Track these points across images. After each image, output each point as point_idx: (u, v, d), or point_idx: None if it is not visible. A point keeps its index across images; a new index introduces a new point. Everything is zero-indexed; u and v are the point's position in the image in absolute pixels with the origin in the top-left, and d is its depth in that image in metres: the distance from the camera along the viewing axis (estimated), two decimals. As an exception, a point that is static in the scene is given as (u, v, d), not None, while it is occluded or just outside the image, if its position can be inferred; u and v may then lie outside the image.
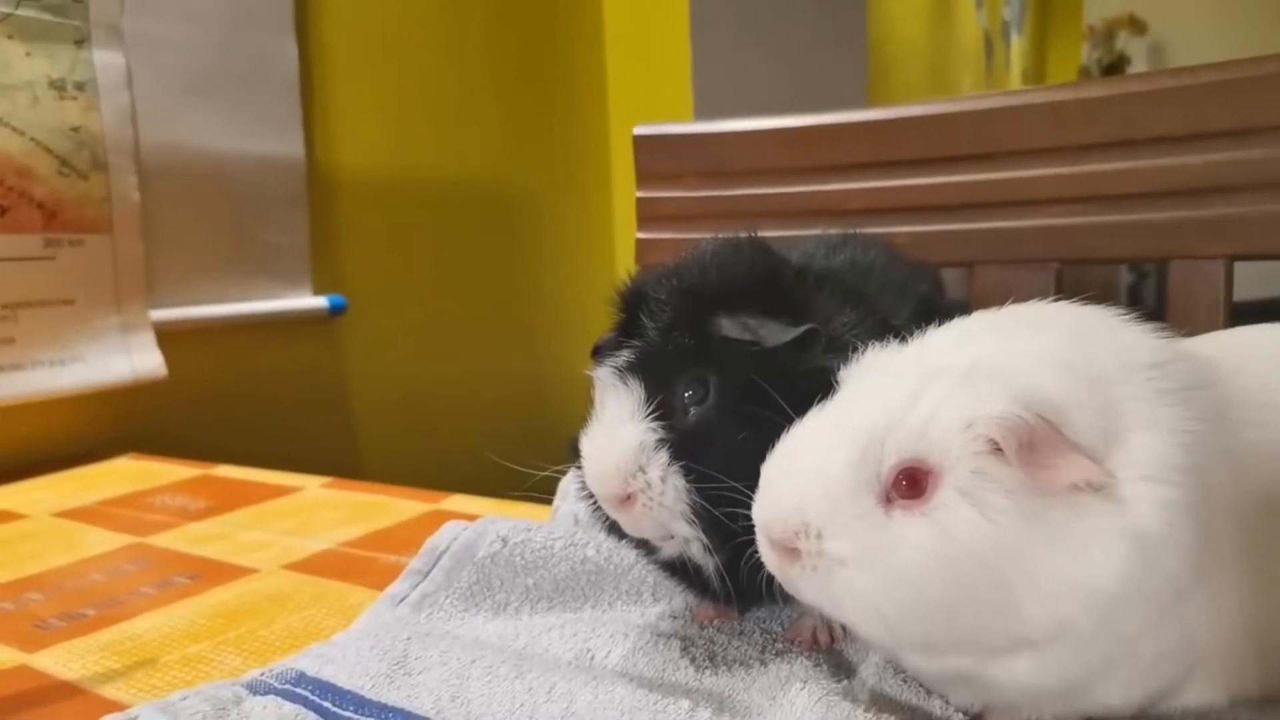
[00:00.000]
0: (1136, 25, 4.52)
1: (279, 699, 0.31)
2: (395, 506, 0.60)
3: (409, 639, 0.35)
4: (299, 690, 0.32)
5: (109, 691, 0.35)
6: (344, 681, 0.32)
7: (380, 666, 0.33)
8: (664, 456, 0.32)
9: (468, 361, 1.23)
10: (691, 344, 0.33)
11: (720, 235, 0.39)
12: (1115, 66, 4.47)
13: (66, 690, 0.36)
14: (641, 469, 0.32)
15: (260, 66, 0.96)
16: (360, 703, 0.31)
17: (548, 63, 1.35)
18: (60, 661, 0.38)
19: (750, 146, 0.62)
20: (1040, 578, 0.25)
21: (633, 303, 0.36)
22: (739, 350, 0.32)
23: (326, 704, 0.31)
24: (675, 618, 0.37)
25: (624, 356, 0.34)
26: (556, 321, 1.37)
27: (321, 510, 0.59)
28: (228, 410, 0.93)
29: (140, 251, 0.82)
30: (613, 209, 1.48)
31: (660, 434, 0.32)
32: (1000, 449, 0.25)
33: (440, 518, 0.57)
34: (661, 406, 0.33)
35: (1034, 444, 0.25)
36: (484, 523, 0.42)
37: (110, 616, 0.43)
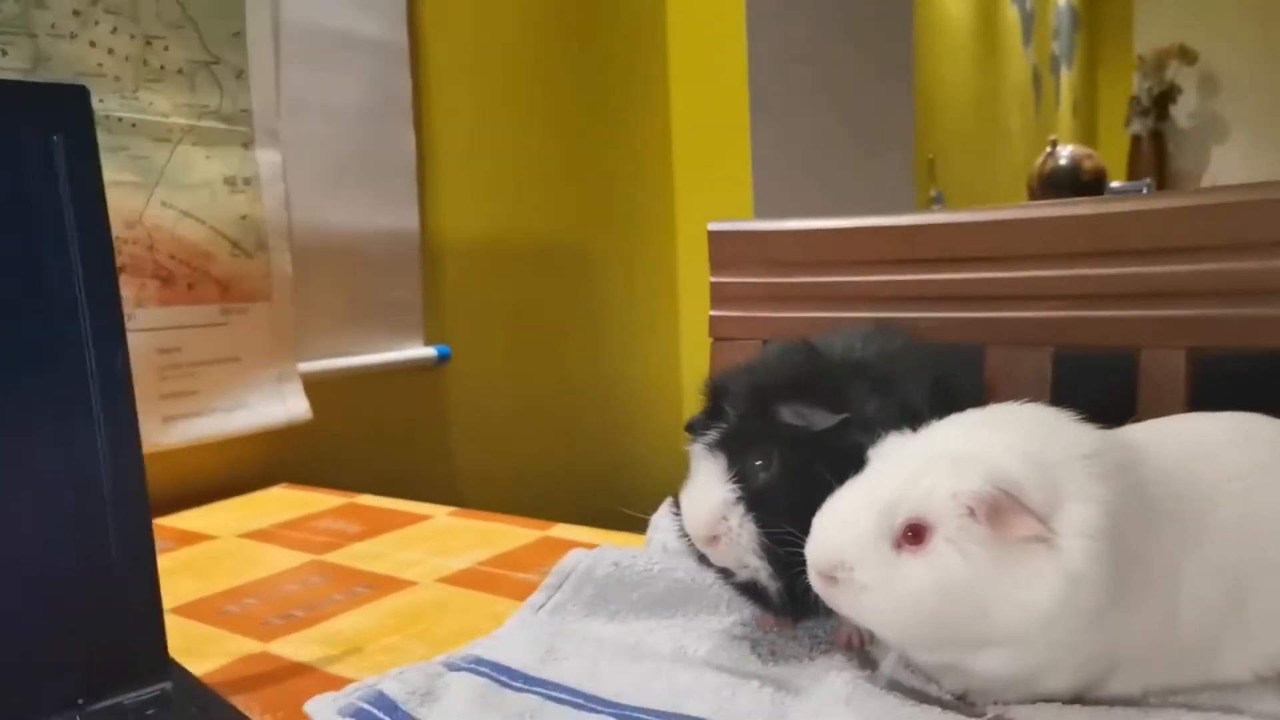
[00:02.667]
0: (1187, 55, 4.53)
1: (468, 674, 0.43)
2: (511, 533, 0.71)
3: (552, 636, 0.47)
4: (480, 668, 0.43)
5: (334, 670, 0.47)
6: (511, 663, 0.44)
7: (534, 654, 0.44)
8: (741, 509, 0.43)
9: (550, 401, 1.35)
10: (760, 426, 0.44)
11: (781, 339, 0.50)
12: (1166, 96, 4.49)
13: (303, 669, 0.48)
14: (725, 518, 0.43)
15: (385, 154, 1.10)
16: (526, 679, 0.42)
17: (620, 139, 1.47)
18: (290, 649, 0.50)
19: (803, 243, 0.73)
20: (1002, 599, 0.35)
21: (717, 393, 0.47)
22: (794, 432, 0.43)
23: (503, 678, 0.42)
24: (745, 625, 0.48)
25: (711, 435, 0.45)
26: (625, 364, 1.49)
27: (454, 535, 0.71)
28: (358, 445, 1.06)
29: (292, 315, 0.96)
30: (676, 266, 1.59)
31: (738, 493, 0.43)
32: (975, 512, 0.36)
33: (550, 542, 0.68)
34: (739, 473, 0.44)
35: (998, 509, 0.35)
36: (600, 551, 0.53)
37: (315, 617, 0.55)
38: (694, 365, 1.56)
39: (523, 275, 1.29)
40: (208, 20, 0.88)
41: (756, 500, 0.43)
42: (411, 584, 0.60)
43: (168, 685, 0.42)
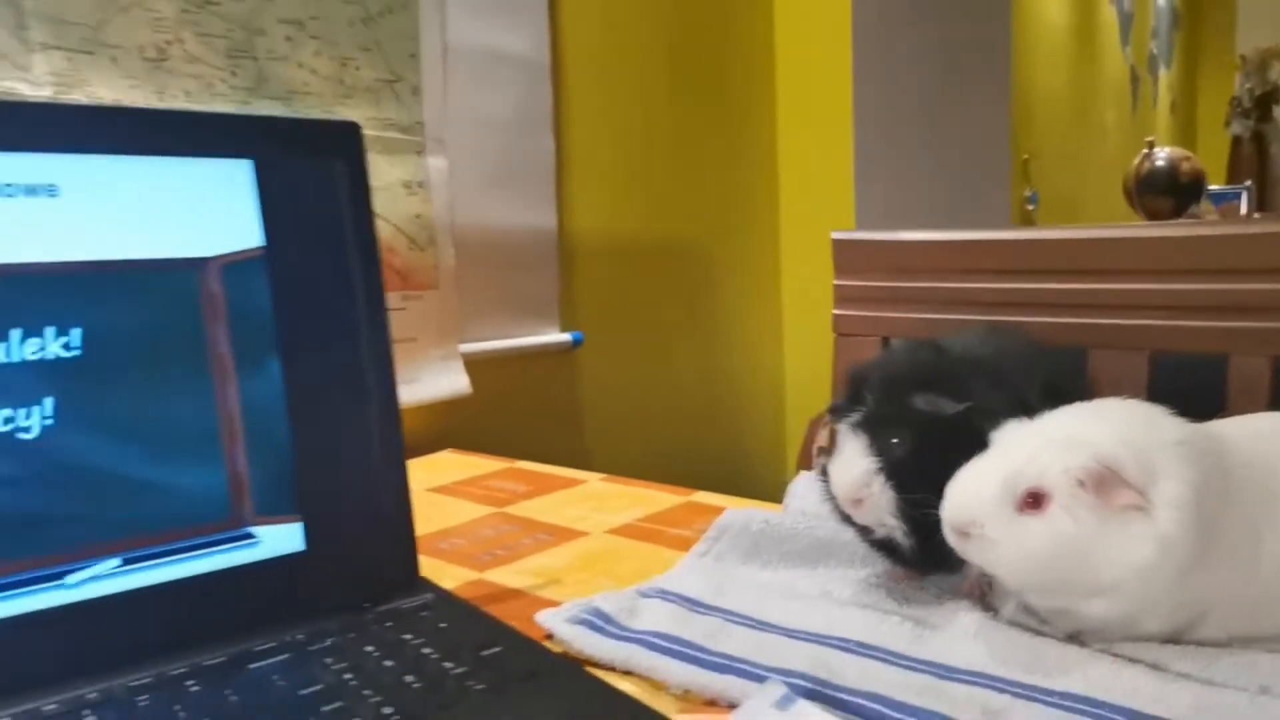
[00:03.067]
0: (1291, 56, 4.38)
1: (659, 599, 0.53)
2: (657, 497, 0.81)
3: (718, 577, 0.56)
4: (668, 597, 0.53)
5: (543, 594, 0.58)
6: (690, 594, 0.54)
7: (708, 590, 0.54)
8: (881, 478, 0.52)
9: (667, 385, 1.46)
10: (895, 411, 0.53)
11: (906, 338, 0.59)
12: (1269, 97, 4.36)
13: (518, 593, 0.59)
14: (868, 485, 0.52)
15: (528, 160, 1.21)
16: (706, 606, 0.52)
17: (732, 147, 1.57)
18: (502, 578, 0.61)
19: (920, 251, 0.82)
20: (1106, 555, 0.44)
21: (857, 383, 0.56)
22: (925, 416, 0.52)
23: (687, 605, 0.52)
24: (878, 576, 0.57)
25: (854, 417, 0.54)
26: (732, 356, 1.59)
27: (609, 497, 0.82)
28: (505, 417, 1.18)
29: (455, 302, 1.08)
30: (780, 268, 1.68)
31: (879, 465, 0.52)
32: (1084, 484, 0.44)
33: (693, 506, 0.78)
34: (878, 448, 0.53)
35: (1104, 482, 0.44)
36: (751, 510, 0.63)
37: (514, 556, 0.66)
38: (796, 362, 1.65)
39: (645, 270, 1.40)
40: (390, 43, 1.00)
41: (894, 471, 0.52)
42: (585, 534, 0.71)
43: (429, 596, 0.53)
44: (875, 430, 0.53)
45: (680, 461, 1.46)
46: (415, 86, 1.03)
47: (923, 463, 0.52)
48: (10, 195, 0.43)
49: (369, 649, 0.46)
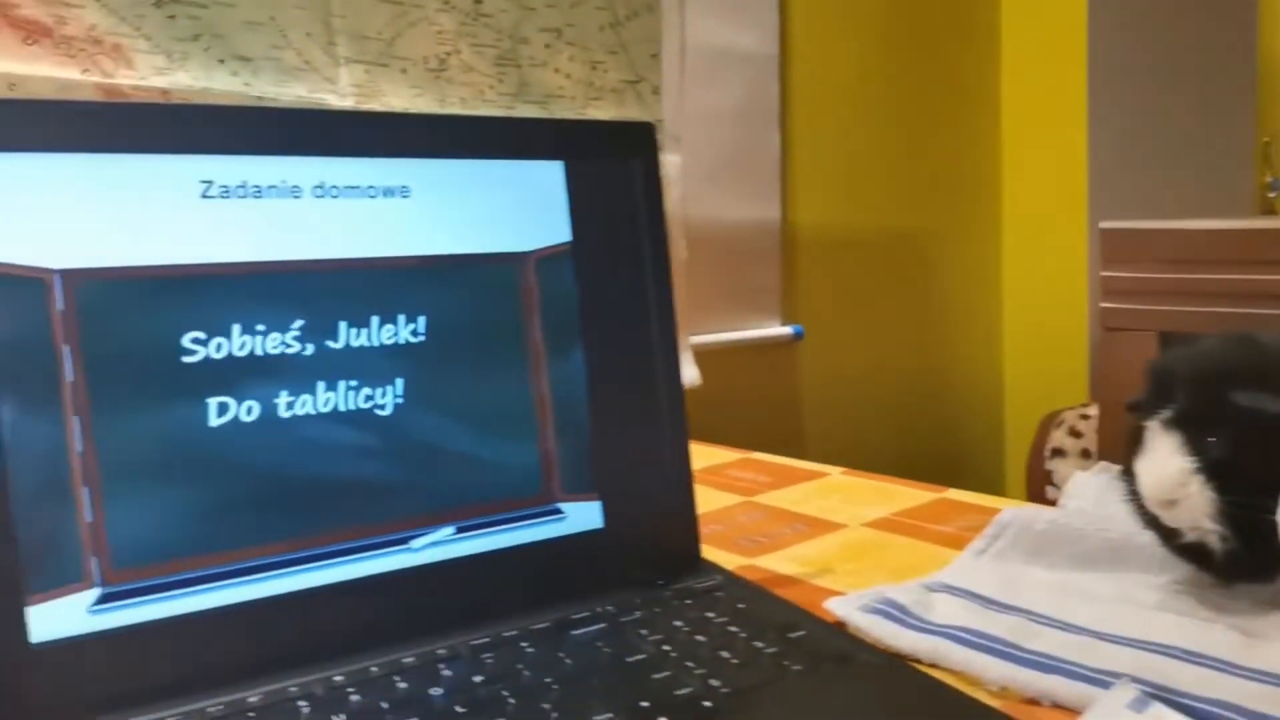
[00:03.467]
0: None
1: (947, 594, 0.52)
2: (906, 492, 0.80)
3: (1004, 576, 0.55)
4: (956, 593, 0.53)
5: (818, 583, 0.59)
6: (980, 590, 0.53)
7: (998, 588, 0.53)
8: (1199, 478, 0.49)
9: (886, 377, 1.43)
10: (1210, 408, 0.50)
11: (1222, 333, 0.55)
12: None
13: (792, 580, 0.59)
14: (1184, 485, 0.49)
15: (754, 154, 1.22)
16: (1001, 604, 0.51)
17: (953, 136, 1.51)
18: (772, 565, 0.62)
19: (1201, 241, 0.76)
20: None
21: (1163, 378, 0.53)
22: (1247, 413, 0.49)
23: (980, 602, 0.51)
24: (1181, 582, 0.54)
25: (1164, 414, 0.51)
26: (949, 349, 1.54)
27: (855, 490, 0.81)
28: (728, 408, 1.20)
29: (686, 295, 1.10)
30: (1001, 253, 1.61)
31: (1196, 464, 0.49)
32: None
33: (948, 503, 0.77)
34: (1194, 446, 0.50)
35: None
36: (1031, 509, 0.61)
37: (777, 544, 0.67)
38: (1016, 357, 1.58)
39: (864, 263, 1.38)
40: (635, 45, 1.03)
41: (1213, 471, 0.49)
42: (842, 526, 0.71)
43: (719, 577, 0.54)
44: (1190, 428, 0.50)
45: (894, 454, 1.43)
46: (656, 86, 1.06)
47: (1245, 463, 0.48)
48: (372, 196, 0.47)
49: (677, 623, 0.48)
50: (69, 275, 0.41)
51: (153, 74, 0.69)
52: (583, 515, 0.53)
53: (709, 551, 0.65)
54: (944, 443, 1.54)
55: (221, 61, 0.72)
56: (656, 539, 0.56)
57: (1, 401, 0.39)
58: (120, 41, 0.66)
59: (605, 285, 0.54)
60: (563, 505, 0.53)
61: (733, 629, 0.47)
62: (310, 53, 0.77)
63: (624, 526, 0.54)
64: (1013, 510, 0.61)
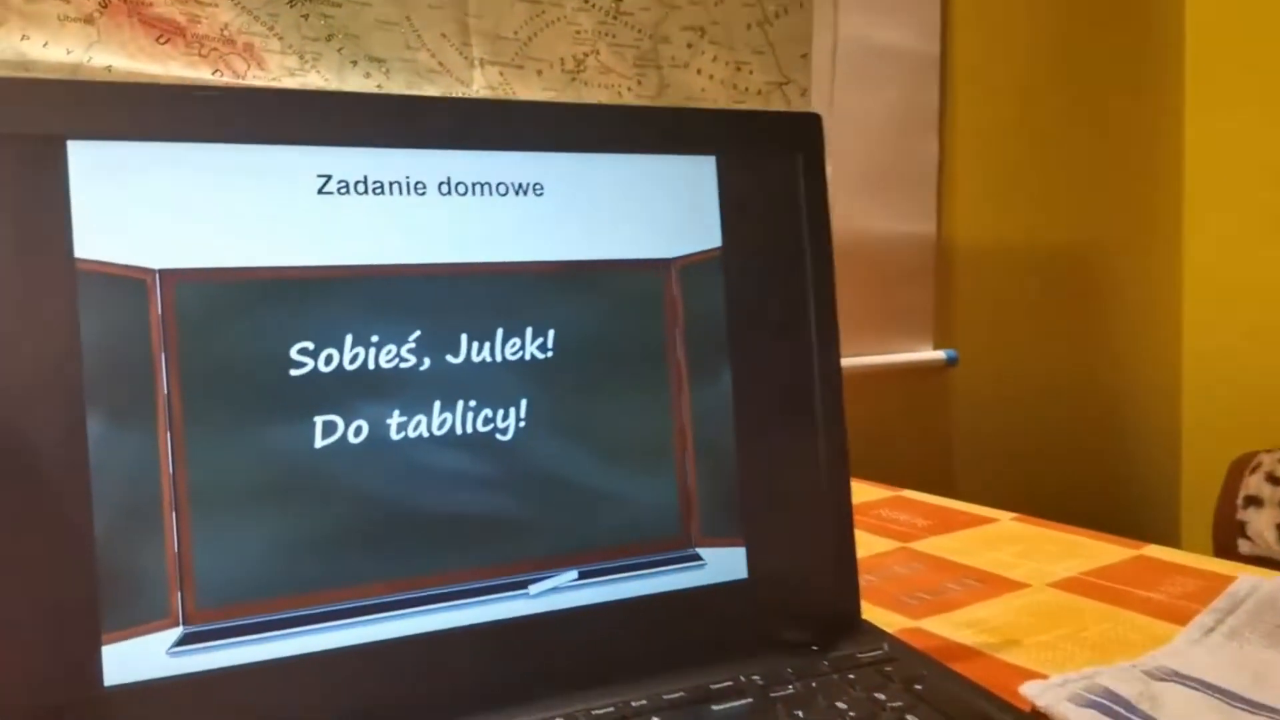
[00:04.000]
0: None
1: (1176, 685, 0.42)
2: (1095, 546, 0.69)
3: (1244, 661, 0.45)
4: (1186, 684, 0.43)
5: (1003, 657, 0.50)
6: (1217, 681, 0.43)
7: (1240, 677, 0.43)
8: None
9: (1051, 406, 1.30)
10: None
11: None
12: None
13: (971, 651, 0.51)
14: None
15: (908, 162, 1.12)
16: (1248, 701, 0.41)
17: (1130, 142, 1.37)
18: (943, 629, 0.54)
19: None
20: None
21: None
22: None
23: (1219, 696, 0.41)
24: None
25: None
26: (1125, 365, 1.39)
27: (1034, 542, 0.71)
28: (872, 439, 1.10)
29: (833, 314, 1.02)
30: (1182, 273, 1.45)
31: None
32: None
33: (1149, 563, 0.65)
34: None
35: None
36: (1272, 579, 0.50)
37: (946, 602, 0.58)
38: (1197, 390, 1.41)
39: (1028, 283, 1.26)
40: (783, 45, 0.96)
41: None
42: (1023, 585, 0.61)
43: (885, 646, 0.46)
44: None
45: (1055, 495, 1.29)
46: (804, 88, 0.99)
47: None
48: (502, 194, 0.42)
49: (841, 705, 0.40)
50: (169, 276, 0.37)
51: (284, 75, 0.66)
52: (725, 563, 0.46)
53: (865, 609, 0.57)
54: (1113, 484, 1.39)
55: (354, 63, 0.69)
56: (810, 594, 0.48)
57: (90, 413, 0.35)
58: (252, 41, 0.64)
59: (759, 298, 0.47)
60: (702, 551, 0.46)
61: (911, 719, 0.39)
62: (444, 54, 0.73)
63: (772, 578, 0.47)
64: (1250, 579, 0.51)
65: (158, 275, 0.37)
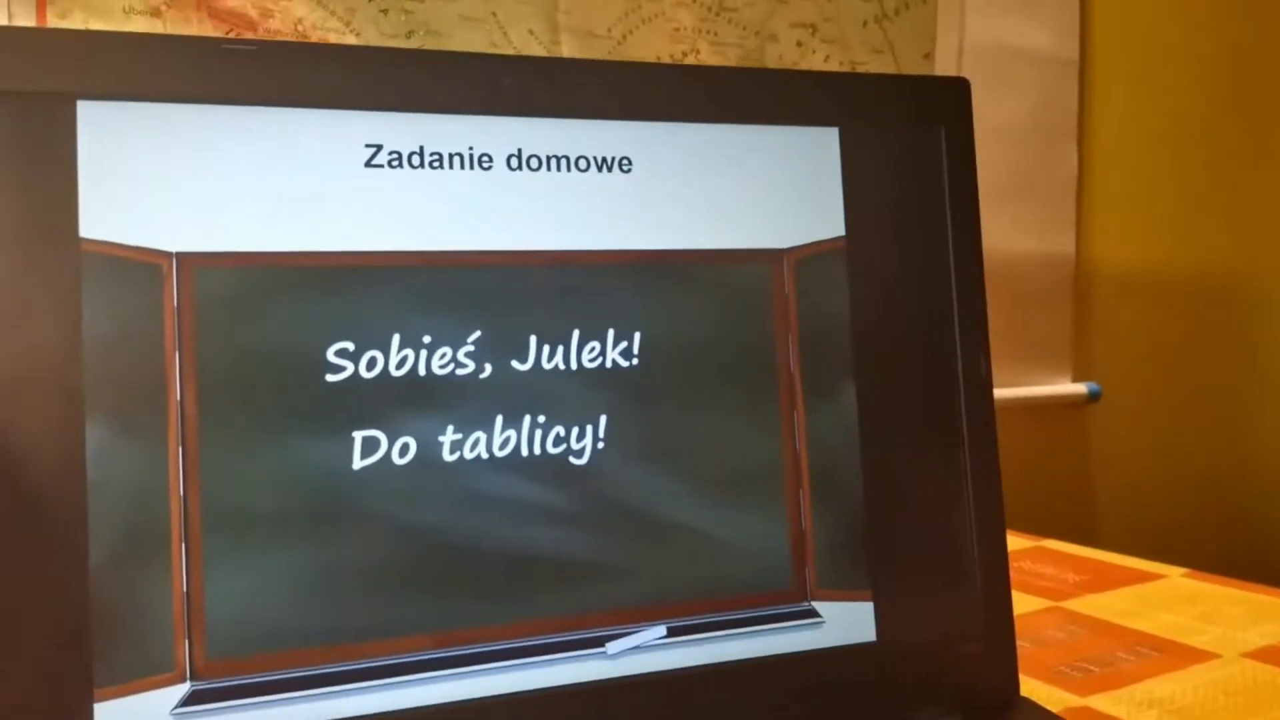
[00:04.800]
0: None
1: None
2: (1294, 613, 0.58)
3: None
4: None
5: (1203, 753, 0.40)
6: None
7: None
8: None
9: (1204, 449, 1.16)
10: None
11: None
12: None
13: (1158, 742, 0.41)
14: None
15: (1043, 174, 1.02)
16: None
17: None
18: (1117, 710, 0.44)
19: None
20: None
21: None
22: None
23: None
24: None
25: None
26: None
27: (1212, 603, 0.60)
28: (1007, 479, 0.99)
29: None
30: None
31: None
32: None
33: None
34: None
35: None
36: None
37: (1117, 677, 0.48)
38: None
39: (1182, 310, 1.12)
40: (904, 44, 0.88)
41: None
42: (1211, 655, 0.50)
43: (1054, 733, 0.37)
44: None
45: (1224, 547, 1.14)
46: (925, 91, 0.90)
47: None
48: (582, 170, 0.35)
49: (1004, 816, 0.31)
50: (187, 260, 0.31)
51: (363, 73, 0.62)
52: (847, 621, 0.38)
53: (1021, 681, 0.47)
54: (1276, 536, 1.22)
55: (438, 63, 0.65)
56: (955, 662, 0.39)
57: (90, 422, 0.30)
58: (327, 37, 0.60)
59: (891, 300, 0.39)
60: (819, 606, 0.38)
61: (1099, 839, 0.30)
62: (532, 52, 0.68)
63: (906, 641, 0.39)
64: None
65: (175, 259, 0.31)
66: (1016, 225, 0.99)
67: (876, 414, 0.39)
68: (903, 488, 0.39)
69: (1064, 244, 1.01)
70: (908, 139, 0.39)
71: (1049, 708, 0.44)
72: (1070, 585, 0.64)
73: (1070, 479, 1.05)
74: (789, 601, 0.38)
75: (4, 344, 0.29)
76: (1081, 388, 1.02)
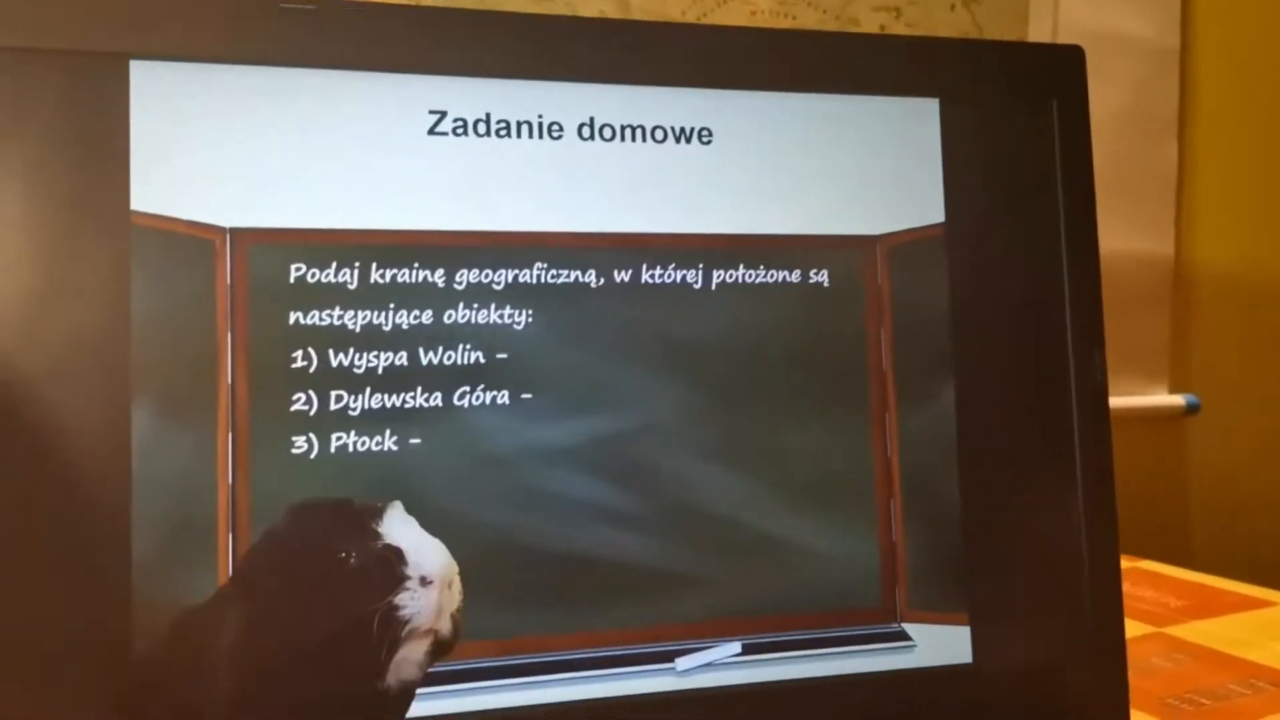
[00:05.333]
0: None
1: None
2: None
3: None
4: None
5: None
6: None
7: None
8: None
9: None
10: None
11: None
12: None
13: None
14: None
15: (1138, 169, 0.97)
16: None
17: None
18: (1238, 754, 0.40)
19: None
20: None
21: None
22: None
23: None
24: None
25: None
26: None
27: (1337, 636, 0.55)
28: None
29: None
30: None
31: None
32: None
33: None
34: None
35: None
36: None
37: (1230, 710, 0.44)
38: None
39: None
40: (993, 29, 0.84)
41: None
42: (1341, 696, 0.45)
43: (1175, 780, 0.33)
44: None
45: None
46: (1016, 81, 0.86)
47: None
48: (659, 140, 0.33)
49: None
50: (241, 237, 0.30)
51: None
52: (941, 644, 0.35)
53: (1125, 715, 0.43)
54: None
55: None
56: (1059, 691, 0.36)
57: (137, 403, 0.28)
58: None
59: (996, 293, 0.36)
60: (911, 628, 0.35)
61: None
62: (604, 35, 0.66)
63: (1006, 667, 0.35)
64: None
65: (228, 235, 0.29)
66: (1110, 225, 0.93)
67: (977, 418, 0.35)
68: (1005, 499, 0.36)
69: (1162, 245, 0.96)
70: (1016, 113, 0.36)
71: (1163, 746, 0.40)
72: (1173, 610, 0.60)
73: (1165, 497, 0.99)
74: (877, 622, 0.35)
75: (50, 321, 0.28)
76: (1179, 399, 0.96)
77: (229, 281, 0.29)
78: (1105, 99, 0.92)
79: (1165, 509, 1.00)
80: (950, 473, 0.35)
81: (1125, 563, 0.72)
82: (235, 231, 0.30)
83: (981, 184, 0.36)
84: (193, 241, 0.29)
